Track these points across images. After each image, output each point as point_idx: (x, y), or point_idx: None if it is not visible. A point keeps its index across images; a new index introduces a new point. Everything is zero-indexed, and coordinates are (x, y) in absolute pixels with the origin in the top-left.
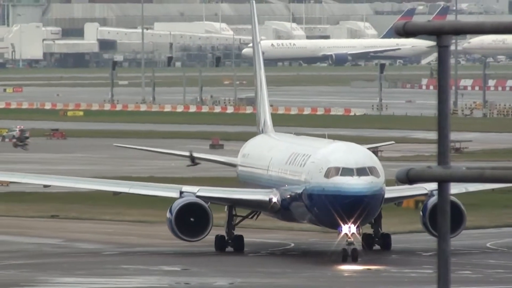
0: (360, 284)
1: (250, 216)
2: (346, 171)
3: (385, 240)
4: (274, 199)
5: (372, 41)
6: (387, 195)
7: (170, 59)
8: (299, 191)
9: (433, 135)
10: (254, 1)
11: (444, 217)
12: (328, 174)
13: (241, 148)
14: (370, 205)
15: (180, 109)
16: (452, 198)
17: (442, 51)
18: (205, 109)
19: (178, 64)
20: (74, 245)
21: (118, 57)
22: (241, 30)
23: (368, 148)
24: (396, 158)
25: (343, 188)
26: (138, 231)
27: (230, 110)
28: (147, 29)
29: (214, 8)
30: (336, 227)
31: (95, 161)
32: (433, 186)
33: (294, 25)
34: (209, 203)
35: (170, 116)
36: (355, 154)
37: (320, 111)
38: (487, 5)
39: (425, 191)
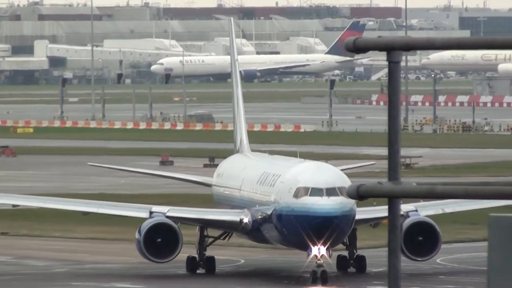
0: None
1: (222, 237)
2: (316, 191)
3: (360, 262)
4: (245, 220)
5: (281, 56)
6: (359, 216)
7: (120, 76)
8: (269, 212)
9: (383, 151)
10: (232, 19)
11: (394, 233)
12: (297, 194)
13: (217, 168)
14: (340, 226)
15: (130, 125)
16: (428, 220)
17: (393, 66)
18: (155, 125)
19: (128, 81)
20: (24, 262)
21: (68, 74)
22: (190, 46)
23: (343, 169)
24: (347, 174)
25: (312, 209)
26: (88, 248)
27: (180, 126)
28: (96, 46)
29: (164, 25)
30: (306, 248)
31: (45, 178)
32: (409, 207)
33: (244, 41)
34: (179, 223)
35: (120, 132)
36: (325, 174)
37: (270, 128)
38: (437, 21)
39: (400, 213)
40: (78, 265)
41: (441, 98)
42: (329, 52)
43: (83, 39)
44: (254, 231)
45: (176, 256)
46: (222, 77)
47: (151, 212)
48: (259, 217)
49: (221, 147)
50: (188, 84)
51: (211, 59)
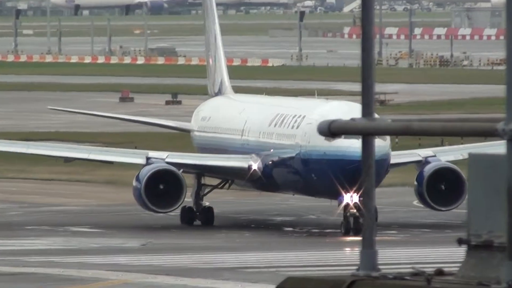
0: (277, 245)
1: (220, 186)
2: None
3: None
4: (254, 166)
5: None
6: (392, 161)
7: (77, 7)
8: (291, 156)
9: (356, 86)
10: None
11: (368, 173)
12: None
13: (195, 111)
14: (376, 171)
15: (87, 60)
16: (453, 166)
17: None
18: (114, 60)
19: (85, 12)
20: None
21: (22, 5)
22: None
23: None
24: None
25: (348, 152)
26: (43, 190)
27: (140, 61)
28: None
29: None
30: (336, 196)
31: None
32: (427, 152)
33: None
34: (181, 170)
35: (77, 67)
36: (358, 114)
37: (236, 62)
38: None
39: (419, 158)
40: (33, 207)
41: (417, 31)
42: None
43: None
44: (264, 178)
45: (180, 205)
46: (131, 8)
47: (147, 158)
48: (273, 162)
49: (185, 83)
50: (150, 16)
51: None
